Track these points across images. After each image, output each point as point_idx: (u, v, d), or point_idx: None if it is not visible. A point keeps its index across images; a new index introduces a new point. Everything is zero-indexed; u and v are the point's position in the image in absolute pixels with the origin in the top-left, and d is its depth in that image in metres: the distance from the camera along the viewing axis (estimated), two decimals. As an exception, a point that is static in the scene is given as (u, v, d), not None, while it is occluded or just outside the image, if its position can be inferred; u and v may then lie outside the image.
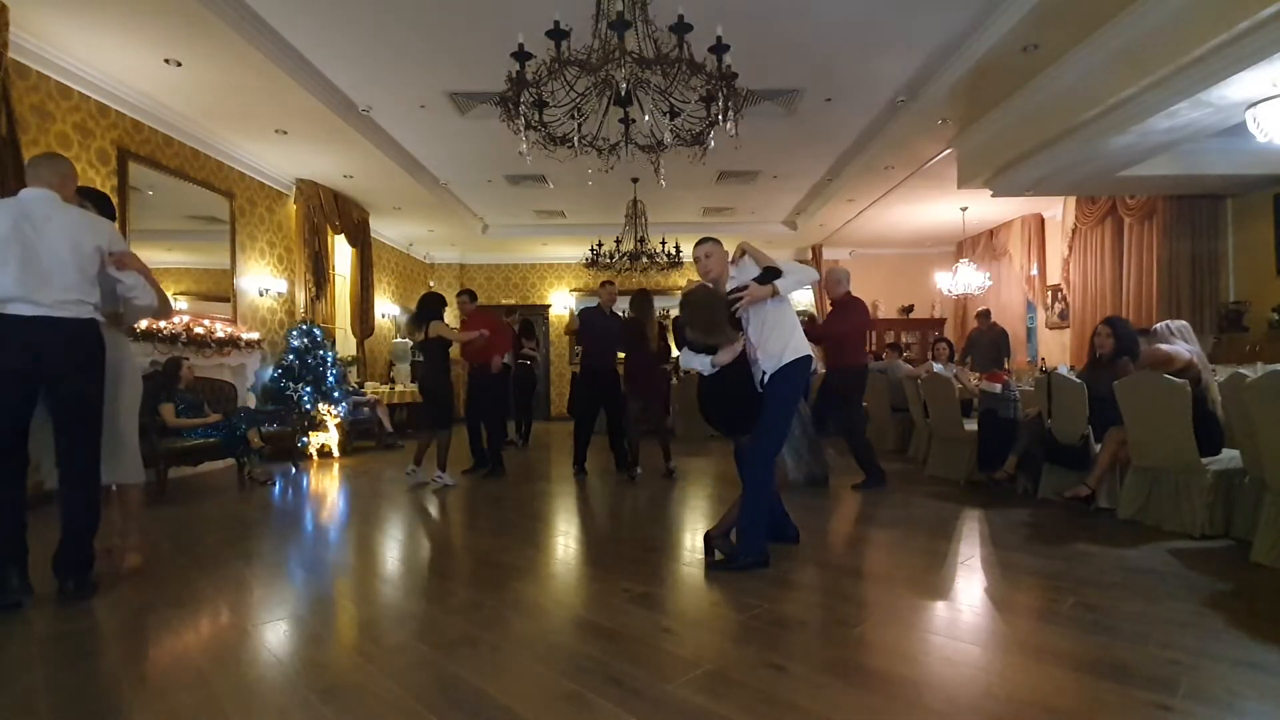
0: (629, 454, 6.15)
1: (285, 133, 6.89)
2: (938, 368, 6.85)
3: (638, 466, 6.10)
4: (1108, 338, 4.63)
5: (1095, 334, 4.76)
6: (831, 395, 5.50)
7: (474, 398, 6.53)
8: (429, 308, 5.91)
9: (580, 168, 6.19)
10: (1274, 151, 5.75)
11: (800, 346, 3.33)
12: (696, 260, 3.46)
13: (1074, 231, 9.52)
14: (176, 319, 6.24)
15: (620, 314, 6.58)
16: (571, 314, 13.22)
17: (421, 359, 6.14)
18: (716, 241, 3.47)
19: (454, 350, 6.21)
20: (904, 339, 12.10)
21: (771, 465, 3.32)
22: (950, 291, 10.57)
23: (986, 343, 9.28)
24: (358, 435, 8.37)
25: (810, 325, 5.36)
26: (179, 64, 5.35)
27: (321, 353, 7.62)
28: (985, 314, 9.79)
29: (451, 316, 8.84)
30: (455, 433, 6.10)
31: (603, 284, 6.62)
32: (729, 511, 3.43)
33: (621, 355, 6.28)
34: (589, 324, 6.40)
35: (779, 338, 3.30)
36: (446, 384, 5.99)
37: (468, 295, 6.84)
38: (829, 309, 5.87)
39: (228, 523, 4.55)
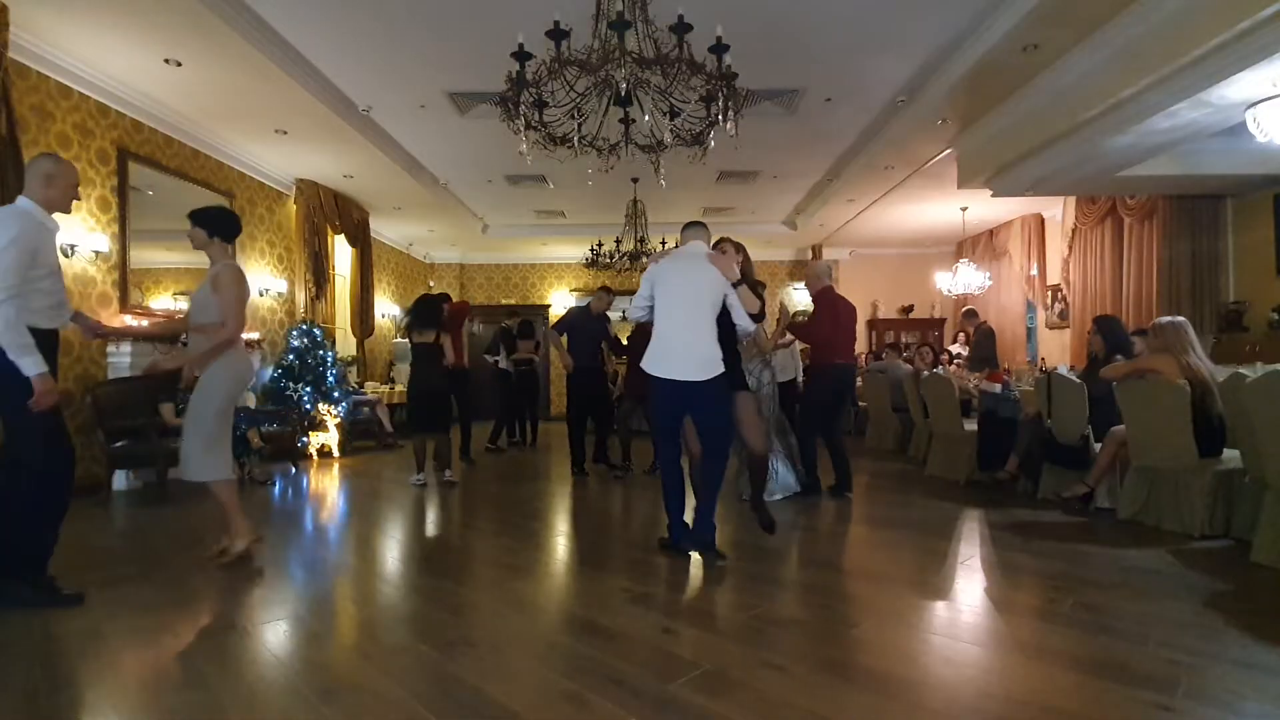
0: (621, 452, 6.32)
1: (285, 133, 6.89)
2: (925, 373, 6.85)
3: (629, 464, 6.29)
4: (1095, 336, 4.79)
5: (1088, 335, 4.85)
6: (809, 395, 5.23)
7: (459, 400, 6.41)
8: (439, 312, 5.87)
9: (580, 168, 6.19)
10: (1274, 151, 5.74)
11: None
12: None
13: (1074, 231, 9.51)
14: (176, 319, 6.22)
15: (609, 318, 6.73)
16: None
17: (417, 361, 5.88)
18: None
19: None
20: (904, 339, 12.09)
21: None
22: (950, 291, 10.56)
23: (976, 343, 9.25)
24: (358, 435, 8.37)
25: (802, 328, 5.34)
26: (179, 64, 5.34)
27: (321, 353, 7.62)
28: (971, 313, 9.76)
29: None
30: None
31: (602, 288, 6.83)
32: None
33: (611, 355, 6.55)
34: (573, 322, 6.48)
35: None
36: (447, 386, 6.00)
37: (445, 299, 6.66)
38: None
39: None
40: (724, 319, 3.50)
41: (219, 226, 3.44)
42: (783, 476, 4.90)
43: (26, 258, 2.69)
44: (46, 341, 2.78)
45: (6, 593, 2.77)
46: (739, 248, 3.79)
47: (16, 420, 2.74)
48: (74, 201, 3.00)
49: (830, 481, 5.04)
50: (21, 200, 2.83)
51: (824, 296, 5.15)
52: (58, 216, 2.94)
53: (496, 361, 8.54)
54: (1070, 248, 9.63)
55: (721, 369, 3.40)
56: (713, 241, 3.80)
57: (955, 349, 9.97)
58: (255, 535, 3.54)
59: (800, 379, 9.33)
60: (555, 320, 6.87)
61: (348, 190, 9.02)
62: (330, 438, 7.62)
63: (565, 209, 10.67)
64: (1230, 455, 3.86)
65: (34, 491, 2.78)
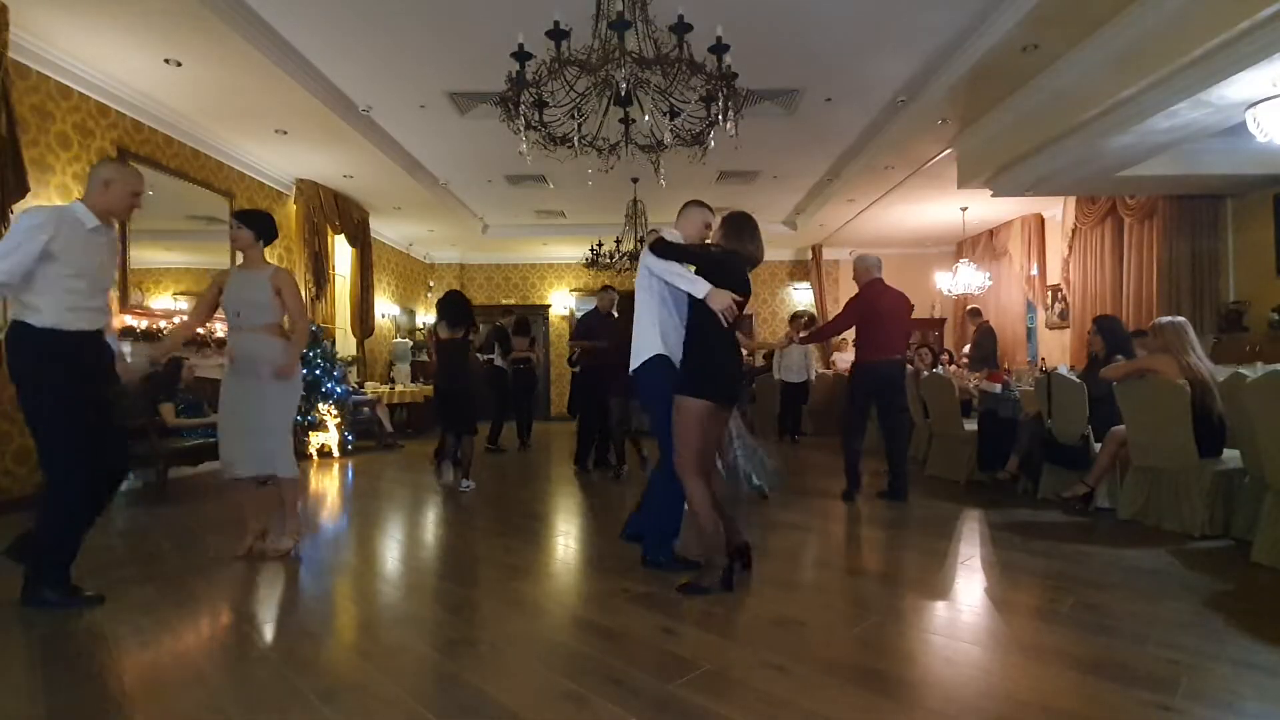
0: (616, 451, 6.31)
1: (285, 133, 6.89)
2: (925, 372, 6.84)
3: (624, 465, 6.25)
4: (1095, 336, 4.79)
5: (1088, 335, 4.85)
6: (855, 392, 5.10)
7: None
8: (468, 308, 5.77)
9: (580, 168, 6.18)
10: (1274, 151, 5.74)
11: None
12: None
13: (1074, 231, 9.50)
14: (177, 319, 6.23)
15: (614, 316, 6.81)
16: (573, 314, 13.24)
17: (441, 358, 5.74)
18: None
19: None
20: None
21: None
22: (950, 291, 10.56)
23: (977, 342, 9.24)
24: (358, 435, 8.37)
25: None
26: (179, 64, 5.34)
27: (321, 352, 7.62)
28: (975, 312, 9.75)
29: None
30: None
31: (605, 287, 6.98)
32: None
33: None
34: (587, 327, 6.66)
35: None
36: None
37: None
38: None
39: (227, 523, 4.54)
40: (713, 319, 2.90)
41: (265, 230, 3.65)
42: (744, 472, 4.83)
43: (36, 250, 2.65)
44: (69, 343, 2.75)
45: (31, 594, 2.77)
46: (726, 219, 3.22)
47: (32, 403, 2.73)
48: (134, 209, 3.04)
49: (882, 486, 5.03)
50: (74, 203, 2.86)
51: (864, 290, 5.00)
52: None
53: (490, 360, 8.52)
54: (1070, 248, 9.62)
55: (647, 354, 3.05)
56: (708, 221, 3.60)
57: (966, 350, 9.83)
58: (301, 535, 3.73)
59: (812, 379, 9.36)
60: (574, 330, 7.05)
61: (348, 190, 9.02)
62: (330, 438, 7.62)
63: (565, 209, 10.67)
64: (1230, 455, 3.86)
65: (59, 485, 2.76)
